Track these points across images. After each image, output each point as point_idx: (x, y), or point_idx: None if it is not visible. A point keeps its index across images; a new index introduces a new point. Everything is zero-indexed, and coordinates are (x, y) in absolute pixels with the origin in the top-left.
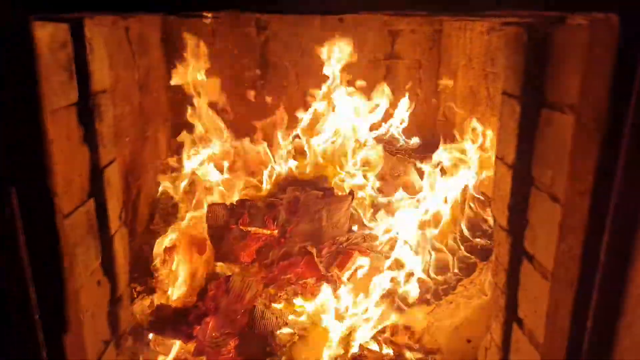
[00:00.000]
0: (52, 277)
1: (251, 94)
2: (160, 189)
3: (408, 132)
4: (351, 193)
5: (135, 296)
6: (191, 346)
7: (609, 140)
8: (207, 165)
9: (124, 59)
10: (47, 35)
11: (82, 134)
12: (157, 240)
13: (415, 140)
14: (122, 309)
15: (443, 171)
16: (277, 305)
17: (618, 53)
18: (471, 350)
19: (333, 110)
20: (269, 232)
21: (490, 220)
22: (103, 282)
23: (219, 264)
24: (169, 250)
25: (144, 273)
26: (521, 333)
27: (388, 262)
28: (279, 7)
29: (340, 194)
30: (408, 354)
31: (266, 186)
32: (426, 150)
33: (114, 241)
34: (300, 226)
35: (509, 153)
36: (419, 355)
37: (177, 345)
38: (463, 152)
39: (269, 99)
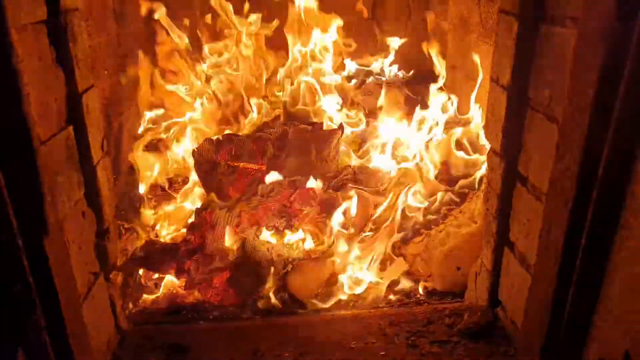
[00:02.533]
0: (32, 205)
1: None
2: (143, 124)
3: (400, 64)
4: (340, 127)
5: (123, 233)
6: (182, 281)
7: (614, 52)
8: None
9: None
10: None
11: (55, 56)
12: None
13: (397, 72)
14: (109, 242)
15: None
16: (269, 237)
17: None
18: (461, 276)
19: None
20: (257, 166)
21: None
22: (88, 213)
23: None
24: (155, 187)
25: (130, 210)
26: (512, 256)
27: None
28: None
29: (329, 128)
30: (401, 281)
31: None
32: (417, 81)
33: (97, 171)
34: (288, 160)
35: (505, 74)
36: (411, 283)
37: (167, 279)
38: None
39: None
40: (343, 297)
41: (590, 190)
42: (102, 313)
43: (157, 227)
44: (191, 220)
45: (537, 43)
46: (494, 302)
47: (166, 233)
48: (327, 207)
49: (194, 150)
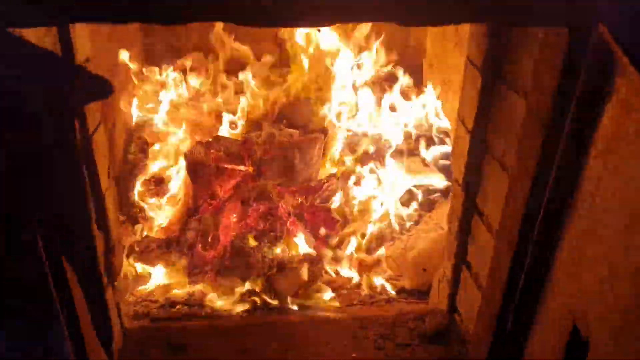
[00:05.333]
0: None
1: None
2: (135, 118)
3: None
4: (323, 131)
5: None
6: (177, 274)
7: (553, 128)
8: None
9: None
10: (33, 31)
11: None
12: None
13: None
14: (115, 257)
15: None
16: (255, 242)
17: (566, 54)
18: (427, 277)
19: None
20: (244, 168)
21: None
22: (98, 236)
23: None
24: (149, 181)
25: (125, 203)
26: (469, 274)
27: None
28: (270, 20)
29: (313, 132)
30: (373, 279)
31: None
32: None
33: (105, 199)
34: (274, 164)
35: (469, 119)
36: (382, 281)
37: (162, 272)
38: None
39: None
40: (323, 295)
41: (531, 231)
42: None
43: (151, 219)
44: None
45: (497, 99)
46: (452, 308)
47: (159, 227)
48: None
49: (185, 153)
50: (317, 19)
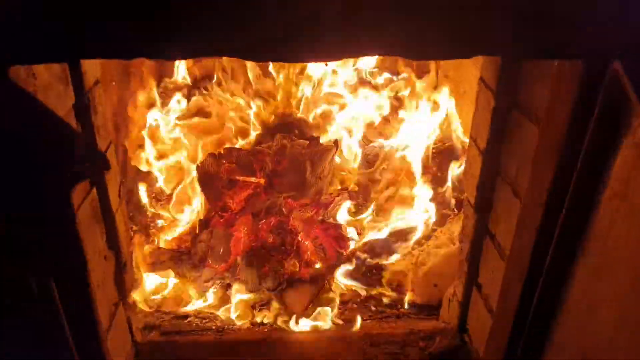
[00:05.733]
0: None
1: None
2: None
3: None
4: (335, 143)
5: (132, 236)
6: (188, 287)
7: (567, 159)
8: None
9: None
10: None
11: (80, 129)
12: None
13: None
14: (126, 273)
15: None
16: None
17: (581, 87)
18: (437, 293)
19: None
20: (255, 180)
21: None
22: (109, 256)
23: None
24: (161, 192)
25: (138, 212)
26: (479, 296)
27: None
28: (275, 56)
29: (324, 143)
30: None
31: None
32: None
33: (116, 219)
34: (285, 177)
35: (482, 140)
36: (394, 294)
37: (174, 284)
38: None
39: None
40: (333, 311)
41: (542, 265)
42: (122, 335)
43: (163, 230)
44: (195, 230)
45: (510, 124)
46: (462, 328)
47: (171, 238)
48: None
49: (197, 165)
50: (325, 55)
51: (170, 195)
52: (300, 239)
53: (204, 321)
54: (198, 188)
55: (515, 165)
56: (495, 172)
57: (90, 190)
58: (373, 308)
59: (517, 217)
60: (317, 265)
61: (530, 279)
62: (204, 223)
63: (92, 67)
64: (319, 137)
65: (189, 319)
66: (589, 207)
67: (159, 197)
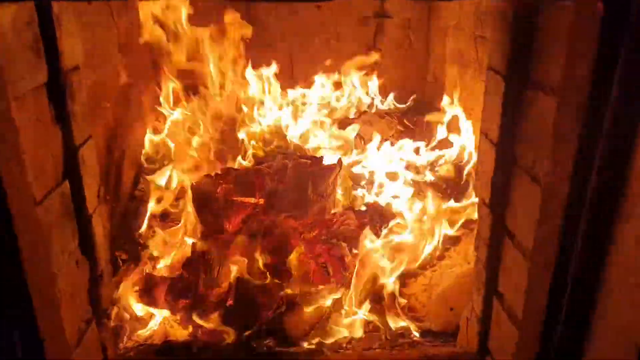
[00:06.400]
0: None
1: None
2: (145, 151)
3: (398, 94)
4: (339, 162)
5: (121, 265)
6: (178, 316)
7: (591, 124)
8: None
9: (102, 19)
10: (9, 15)
11: (54, 114)
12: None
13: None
14: (103, 287)
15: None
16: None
17: (601, 37)
18: (454, 317)
19: None
20: (254, 200)
21: None
22: (82, 262)
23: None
24: (154, 217)
25: (129, 240)
26: (501, 308)
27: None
28: None
29: (327, 163)
30: (391, 321)
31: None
32: (416, 111)
33: (92, 221)
34: (286, 196)
35: (493, 130)
36: (404, 322)
37: (163, 314)
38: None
39: None
40: (337, 337)
41: (570, 254)
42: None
43: (155, 258)
44: (188, 255)
45: (524, 105)
46: (483, 350)
47: (164, 265)
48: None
49: (192, 185)
50: None
51: (166, 217)
52: (301, 259)
53: (192, 355)
54: (193, 210)
55: (531, 149)
56: (510, 162)
57: (62, 182)
58: (382, 337)
59: (539, 204)
60: (319, 288)
61: (558, 272)
62: (198, 246)
63: (70, 49)
64: (322, 157)
65: (175, 351)
66: (624, 168)
67: (153, 221)
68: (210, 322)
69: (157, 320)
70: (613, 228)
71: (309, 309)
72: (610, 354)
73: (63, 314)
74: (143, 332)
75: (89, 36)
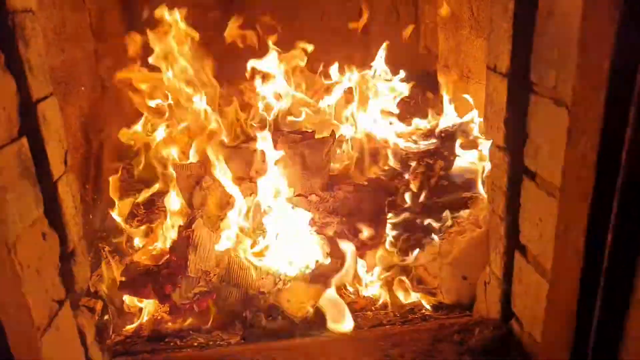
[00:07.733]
0: None
1: None
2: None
3: (390, 67)
4: (332, 135)
5: (105, 256)
6: (167, 306)
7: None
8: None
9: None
10: None
11: (3, 60)
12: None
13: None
14: (76, 265)
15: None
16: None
17: None
18: (468, 287)
19: None
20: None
21: None
22: (49, 234)
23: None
24: (138, 206)
25: (111, 232)
26: (525, 261)
27: None
28: None
29: (320, 136)
30: (401, 297)
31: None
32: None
33: (58, 188)
34: (278, 170)
35: (503, 59)
36: (413, 298)
37: (151, 304)
38: None
39: None
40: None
41: (614, 177)
42: (68, 346)
43: (140, 247)
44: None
45: (538, 19)
46: (507, 314)
47: (149, 254)
48: None
49: (174, 163)
50: None
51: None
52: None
53: (184, 340)
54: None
55: (553, 67)
56: (525, 92)
57: (18, 138)
58: (391, 314)
59: (567, 127)
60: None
61: (597, 209)
62: (184, 227)
63: None
64: (313, 131)
65: (166, 339)
66: None
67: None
68: (202, 309)
69: (144, 312)
70: None
71: (307, 286)
72: None
73: (26, 289)
74: (132, 325)
75: (57, 12)
